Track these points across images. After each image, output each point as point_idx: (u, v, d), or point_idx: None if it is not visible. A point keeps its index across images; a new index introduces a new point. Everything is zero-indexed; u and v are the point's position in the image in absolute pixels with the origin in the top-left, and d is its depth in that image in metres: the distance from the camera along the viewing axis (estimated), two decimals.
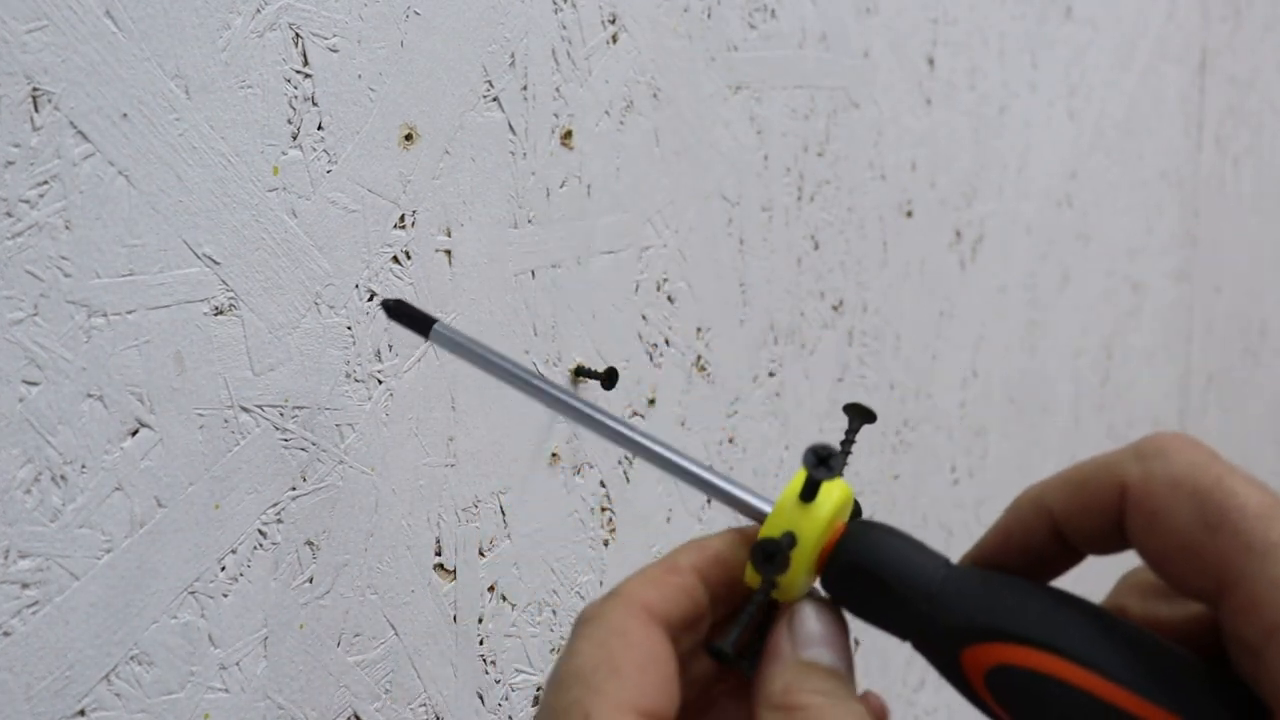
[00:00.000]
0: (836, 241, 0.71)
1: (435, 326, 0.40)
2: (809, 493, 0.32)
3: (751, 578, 0.32)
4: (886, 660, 0.79)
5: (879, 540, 0.32)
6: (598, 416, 0.37)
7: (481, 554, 0.52)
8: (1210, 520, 0.28)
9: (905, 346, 0.79)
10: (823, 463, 0.31)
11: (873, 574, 0.32)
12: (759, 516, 0.34)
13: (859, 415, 0.35)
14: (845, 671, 0.31)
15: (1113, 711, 0.29)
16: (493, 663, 0.53)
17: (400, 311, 0.42)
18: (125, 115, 0.39)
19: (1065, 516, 0.31)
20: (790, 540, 0.31)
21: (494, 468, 0.52)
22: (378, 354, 0.47)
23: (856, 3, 0.70)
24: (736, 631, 0.31)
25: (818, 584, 0.33)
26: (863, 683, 0.76)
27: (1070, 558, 0.32)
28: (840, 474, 0.31)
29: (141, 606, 0.41)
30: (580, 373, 0.56)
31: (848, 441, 0.35)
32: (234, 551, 0.43)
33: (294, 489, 0.45)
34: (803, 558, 0.32)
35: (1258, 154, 1.25)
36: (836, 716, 0.29)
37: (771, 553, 0.31)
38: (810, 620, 0.32)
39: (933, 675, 0.85)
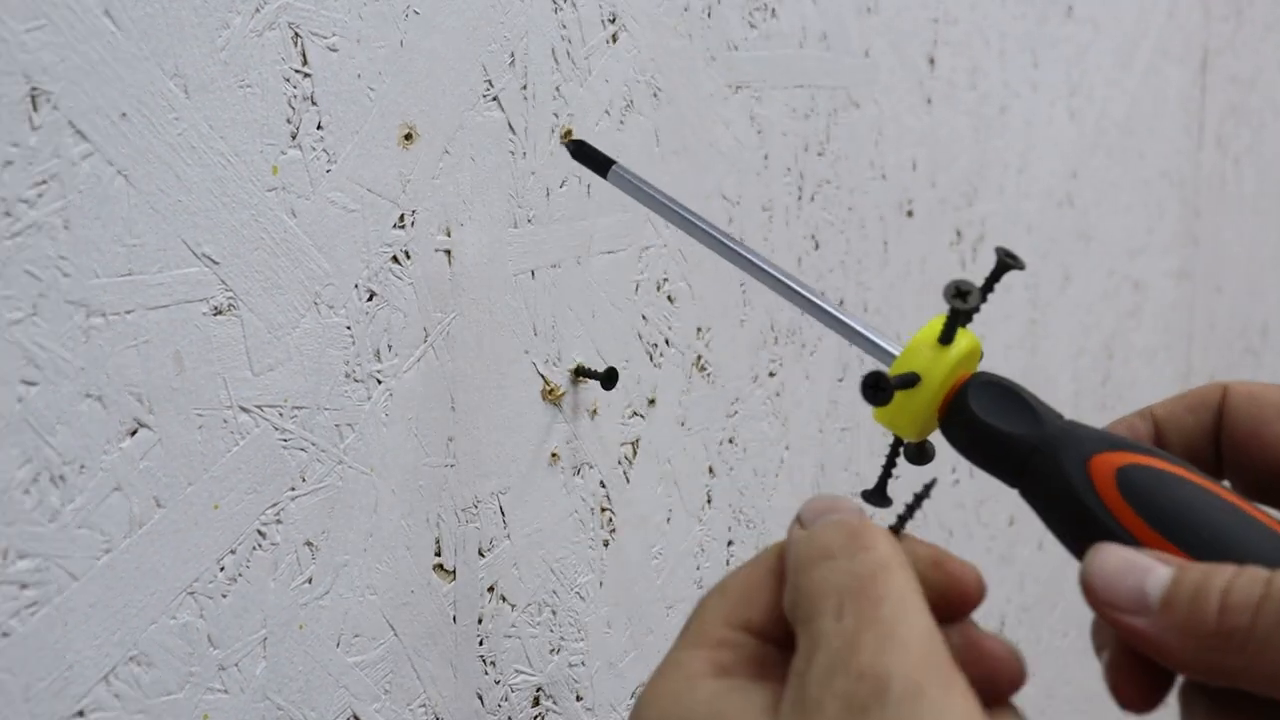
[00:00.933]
0: (837, 241, 0.71)
1: (613, 168, 0.47)
2: (947, 334, 0.35)
3: (879, 416, 0.36)
4: None
5: (1006, 383, 0.35)
6: (760, 263, 0.43)
7: (481, 554, 0.52)
8: None
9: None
10: (960, 296, 0.34)
11: (1010, 394, 0.35)
12: (886, 359, 0.37)
13: (1008, 259, 0.37)
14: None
15: (1235, 510, 0.31)
16: (492, 663, 0.53)
17: (582, 151, 0.49)
18: (124, 115, 0.39)
19: (1166, 414, 0.34)
20: (904, 379, 0.35)
21: (494, 468, 0.52)
22: (377, 354, 0.47)
23: (857, 2, 0.70)
24: (879, 476, 0.38)
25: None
26: None
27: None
28: (978, 309, 0.34)
29: (140, 607, 0.41)
30: (580, 372, 0.55)
31: (990, 282, 0.37)
32: (233, 552, 0.43)
33: (293, 489, 0.45)
34: (927, 396, 0.35)
35: (1259, 153, 1.25)
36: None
37: (871, 384, 0.35)
38: (817, 501, 0.33)
39: None
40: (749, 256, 0.43)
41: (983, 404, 0.35)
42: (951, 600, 0.31)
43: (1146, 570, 0.30)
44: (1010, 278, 0.88)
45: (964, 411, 0.35)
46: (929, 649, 0.28)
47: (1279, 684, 0.27)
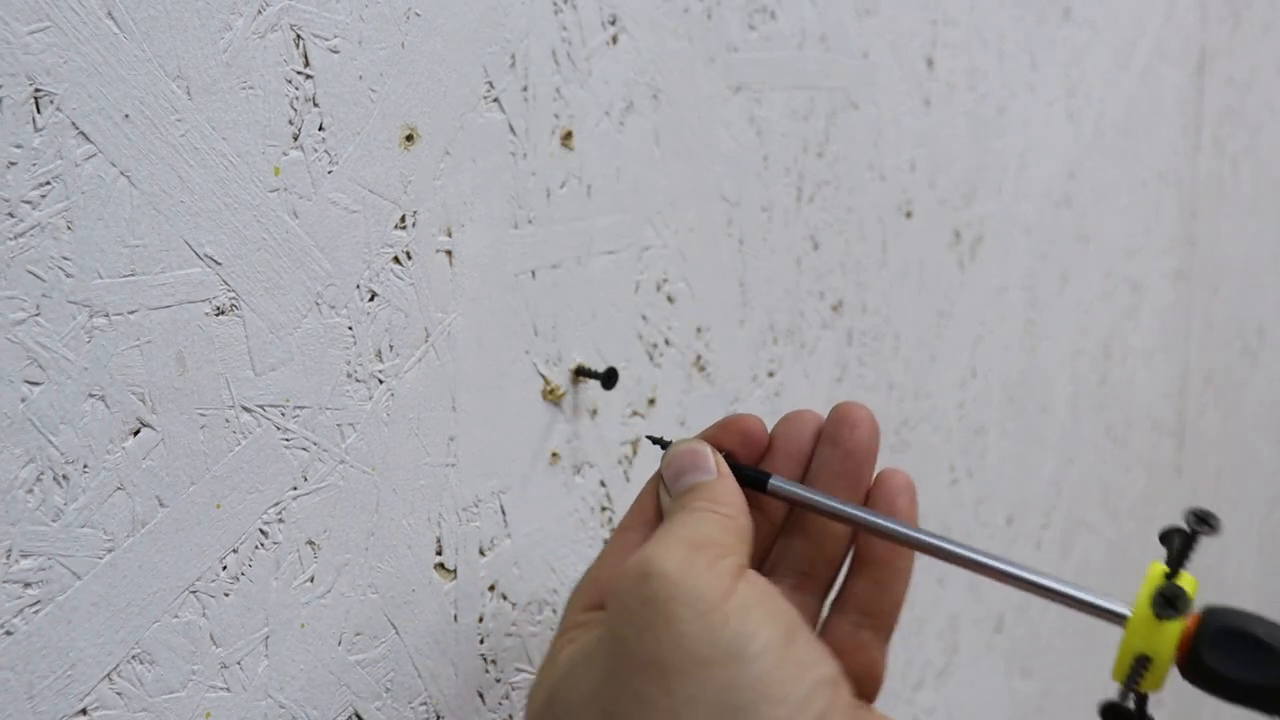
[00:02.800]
0: (836, 242, 0.72)
1: (770, 481, 0.45)
2: (1162, 612, 0.36)
3: (1118, 674, 0.37)
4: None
5: (1232, 634, 0.36)
6: (955, 549, 0.42)
7: (482, 553, 0.53)
8: None
9: (904, 346, 0.79)
10: (1170, 604, 0.36)
11: (1247, 639, 0.36)
12: (1120, 621, 0.38)
13: (1201, 523, 0.38)
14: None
15: None
16: (493, 662, 0.54)
17: (750, 478, 0.44)
18: (127, 116, 0.39)
19: None
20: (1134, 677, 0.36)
21: (494, 467, 0.53)
22: (379, 354, 0.47)
23: (856, 4, 0.71)
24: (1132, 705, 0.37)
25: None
26: None
27: None
28: (1185, 611, 0.36)
29: (143, 606, 0.41)
30: (580, 373, 0.56)
31: (1183, 554, 0.38)
32: (235, 551, 0.43)
33: (295, 488, 0.45)
34: (1160, 671, 0.36)
35: (1256, 155, 1.25)
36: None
37: (1115, 713, 0.37)
38: (674, 460, 0.44)
39: (931, 675, 0.86)
40: (945, 545, 0.42)
41: (1220, 657, 0.36)
42: (749, 442, 0.44)
43: None
44: (1009, 278, 0.89)
45: (1203, 669, 0.36)
46: (696, 542, 0.37)
47: None
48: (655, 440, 0.47)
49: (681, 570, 0.35)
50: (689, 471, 0.42)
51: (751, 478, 0.44)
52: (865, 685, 0.42)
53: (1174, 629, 0.36)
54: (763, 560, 0.45)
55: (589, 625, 0.41)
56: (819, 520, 0.44)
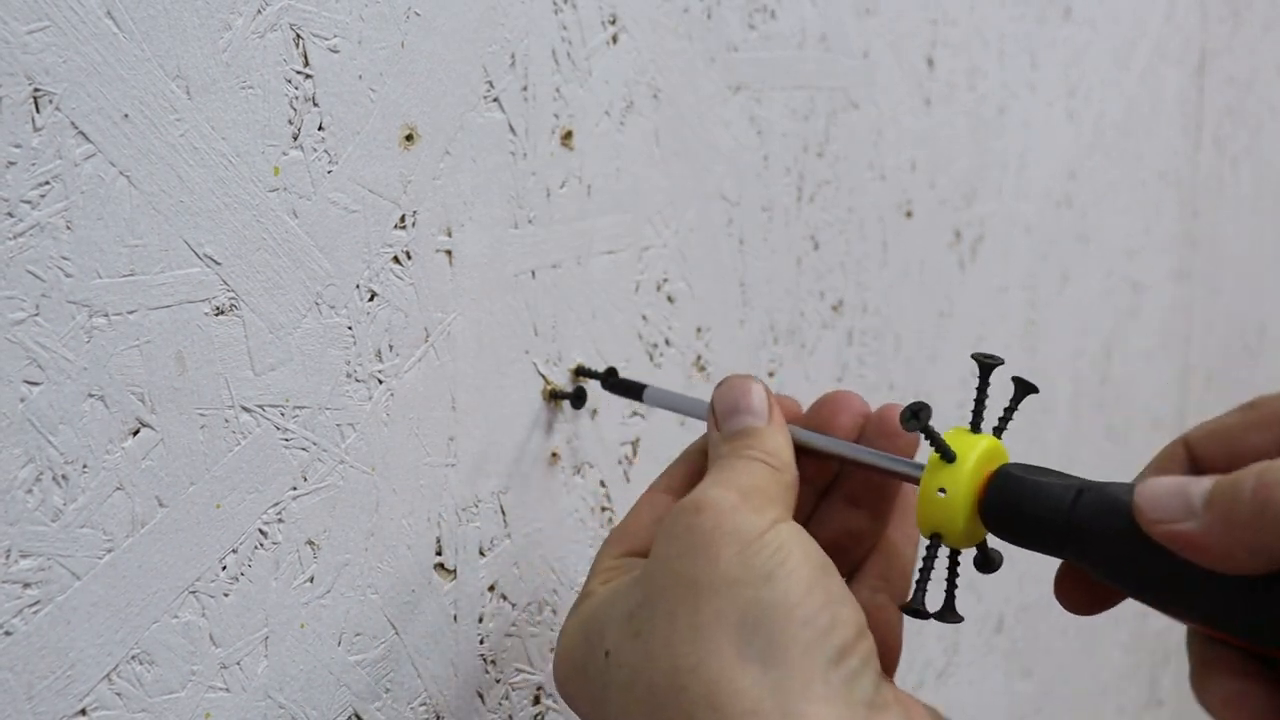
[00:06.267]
0: (836, 242, 0.72)
1: (646, 391, 0.51)
2: (942, 451, 0.38)
3: (923, 526, 0.39)
4: None
5: (1012, 486, 0.37)
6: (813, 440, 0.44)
7: (482, 553, 0.53)
8: None
9: (905, 347, 0.79)
10: (914, 415, 0.37)
11: (1013, 517, 0.37)
12: (914, 478, 0.39)
13: (1022, 389, 0.42)
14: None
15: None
16: (493, 662, 0.54)
17: (614, 383, 0.53)
18: (126, 116, 0.39)
19: (1198, 438, 0.36)
20: (945, 454, 0.38)
21: (494, 467, 0.53)
22: (378, 354, 0.47)
23: (856, 4, 0.71)
24: (916, 587, 0.39)
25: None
26: None
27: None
28: (926, 423, 0.38)
29: (143, 606, 0.41)
30: (580, 372, 0.56)
31: (1010, 411, 0.41)
32: (235, 551, 0.43)
33: (295, 489, 0.45)
34: (957, 506, 0.38)
35: (1256, 154, 1.25)
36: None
37: (916, 412, 0.38)
38: (728, 392, 0.44)
39: (932, 675, 0.86)
40: (811, 439, 0.44)
41: (1013, 481, 0.37)
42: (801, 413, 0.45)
43: (1191, 483, 0.32)
44: (1010, 278, 0.88)
45: (999, 493, 0.37)
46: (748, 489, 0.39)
47: None
48: (589, 373, 0.52)
49: (732, 508, 0.38)
50: (742, 413, 0.42)
51: (629, 387, 0.51)
52: (885, 656, 0.42)
53: (962, 468, 0.38)
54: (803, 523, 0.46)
55: (621, 569, 0.43)
56: (860, 487, 0.45)
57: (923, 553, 0.40)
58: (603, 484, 0.58)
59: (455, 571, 0.51)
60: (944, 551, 0.40)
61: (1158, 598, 0.34)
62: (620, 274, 0.58)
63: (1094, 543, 0.35)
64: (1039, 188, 0.91)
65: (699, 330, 0.63)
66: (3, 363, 0.37)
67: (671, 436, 0.62)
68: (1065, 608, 0.38)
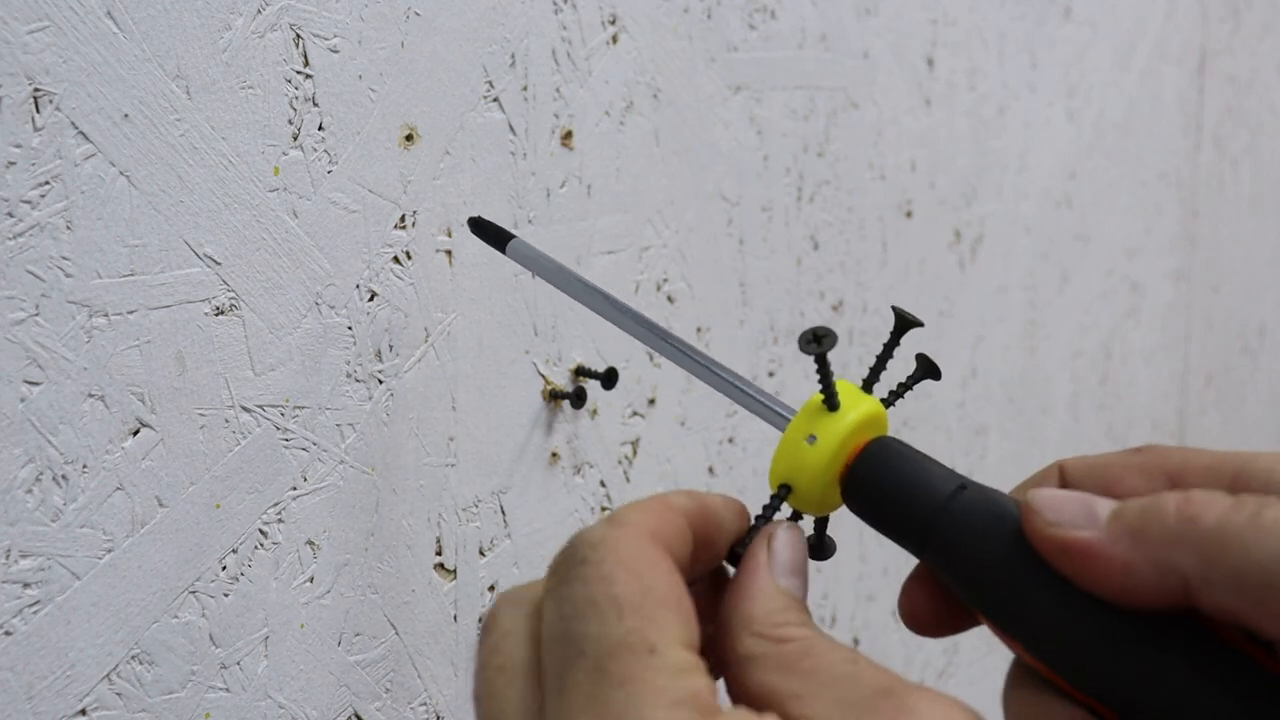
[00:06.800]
0: (836, 242, 0.72)
1: (511, 243, 0.44)
2: (828, 394, 0.33)
3: (775, 474, 0.33)
4: (885, 659, 0.79)
5: (893, 459, 0.32)
6: (654, 333, 0.39)
7: (482, 554, 0.53)
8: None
9: (905, 346, 0.79)
10: (816, 340, 0.32)
11: (882, 492, 0.32)
12: (780, 422, 0.34)
13: (924, 368, 0.36)
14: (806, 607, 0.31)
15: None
16: None
17: (481, 227, 0.46)
18: (126, 116, 0.39)
19: (1076, 469, 0.32)
20: (830, 402, 0.32)
21: (494, 467, 0.53)
22: (378, 354, 0.47)
23: (856, 4, 0.71)
24: (746, 535, 0.32)
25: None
26: None
27: None
28: (827, 351, 0.32)
29: (143, 606, 0.41)
30: (580, 372, 0.56)
31: (904, 387, 0.36)
32: (235, 551, 0.43)
33: (295, 489, 0.45)
34: (823, 461, 0.32)
35: (1256, 154, 1.25)
36: (829, 651, 0.28)
37: (820, 336, 0.32)
38: (791, 547, 0.31)
39: (932, 675, 0.86)
40: (662, 339, 0.39)
41: (892, 457, 0.32)
42: (708, 530, 0.31)
43: (1093, 498, 0.29)
44: (1010, 278, 0.88)
45: (872, 465, 0.33)
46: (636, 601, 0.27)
47: (1241, 580, 0.26)
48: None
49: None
50: (792, 574, 0.32)
51: (497, 236, 0.44)
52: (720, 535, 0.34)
53: (841, 421, 0.32)
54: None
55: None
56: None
57: (764, 502, 0.33)
58: (603, 484, 0.58)
59: (455, 571, 0.51)
60: (785, 511, 0.34)
61: (1016, 624, 0.30)
62: (620, 274, 0.58)
63: (963, 545, 0.30)
64: (1039, 188, 0.91)
65: (699, 330, 0.63)
66: (3, 363, 0.37)
67: (672, 437, 0.62)
68: (906, 621, 0.33)
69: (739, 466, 0.66)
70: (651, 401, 0.60)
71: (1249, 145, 1.23)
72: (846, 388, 0.34)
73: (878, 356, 0.35)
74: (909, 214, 0.78)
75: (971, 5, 0.81)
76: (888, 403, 0.35)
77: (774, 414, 0.35)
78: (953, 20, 0.79)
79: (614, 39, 0.56)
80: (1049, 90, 0.91)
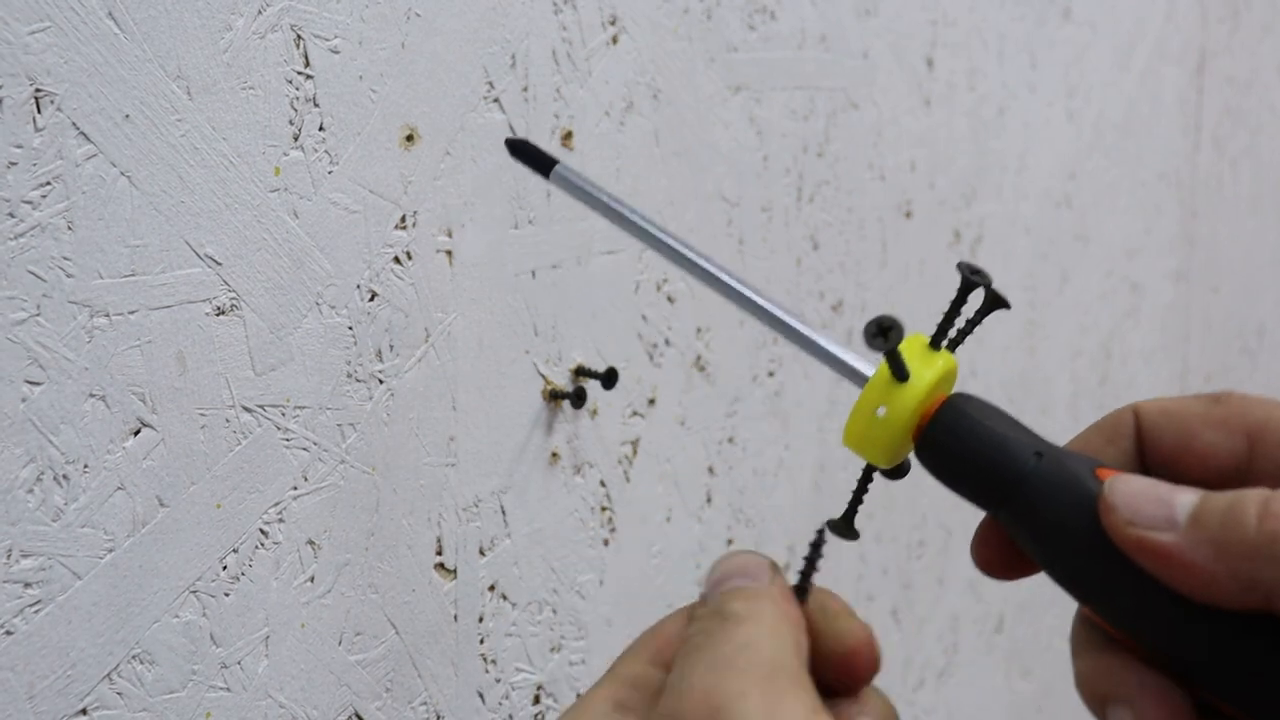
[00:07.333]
0: (836, 242, 0.72)
1: (556, 168, 0.41)
2: (898, 372, 0.33)
3: (849, 439, 0.33)
4: (886, 661, 0.79)
5: (964, 424, 0.32)
6: (706, 265, 0.38)
7: (482, 553, 0.53)
8: None
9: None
10: (882, 333, 0.32)
11: (956, 457, 0.32)
12: (860, 380, 0.34)
13: (991, 301, 0.35)
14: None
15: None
16: (493, 662, 0.54)
17: (523, 150, 0.42)
18: (127, 116, 0.39)
19: (1084, 448, 0.32)
20: (899, 370, 0.32)
21: (494, 467, 0.53)
22: (379, 354, 0.47)
23: (856, 4, 0.71)
24: (848, 508, 0.34)
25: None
26: None
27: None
28: (896, 343, 0.32)
29: (143, 606, 0.41)
30: (580, 372, 0.56)
31: (972, 324, 0.35)
32: (235, 551, 0.43)
33: (295, 488, 0.45)
34: (893, 433, 0.33)
35: (1255, 155, 1.25)
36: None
37: (885, 329, 0.32)
38: (726, 561, 0.32)
39: (932, 675, 0.86)
40: (705, 264, 0.38)
41: (967, 420, 0.32)
42: (837, 657, 0.31)
43: (1172, 492, 0.29)
44: (1009, 278, 0.88)
45: (948, 428, 0.32)
46: (770, 671, 0.28)
47: None
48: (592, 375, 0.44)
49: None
50: (735, 576, 0.33)
51: (540, 161, 0.40)
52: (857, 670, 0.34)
53: (912, 392, 0.32)
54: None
55: (650, 687, 0.33)
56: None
57: (857, 474, 0.33)
58: (603, 484, 0.58)
59: (455, 571, 0.51)
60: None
61: (1092, 596, 0.30)
62: (620, 274, 0.58)
63: (1039, 519, 0.31)
64: (1038, 188, 0.91)
65: (699, 330, 0.63)
66: (4, 363, 0.37)
67: (672, 436, 0.62)
68: (978, 565, 0.34)
69: (739, 466, 0.66)
70: (651, 401, 0.60)
71: (1248, 146, 1.23)
72: (913, 348, 0.34)
73: (945, 314, 0.34)
74: (909, 214, 0.78)
75: (971, 6, 0.81)
76: (955, 343, 0.34)
77: (848, 369, 0.35)
78: (952, 21, 0.79)
79: (614, 40, 0.56)
80: (1049, 91, 0.91)
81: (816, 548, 0.33)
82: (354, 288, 0.46)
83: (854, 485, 0.35)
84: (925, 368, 0.33)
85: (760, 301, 0.37)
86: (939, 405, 0.33)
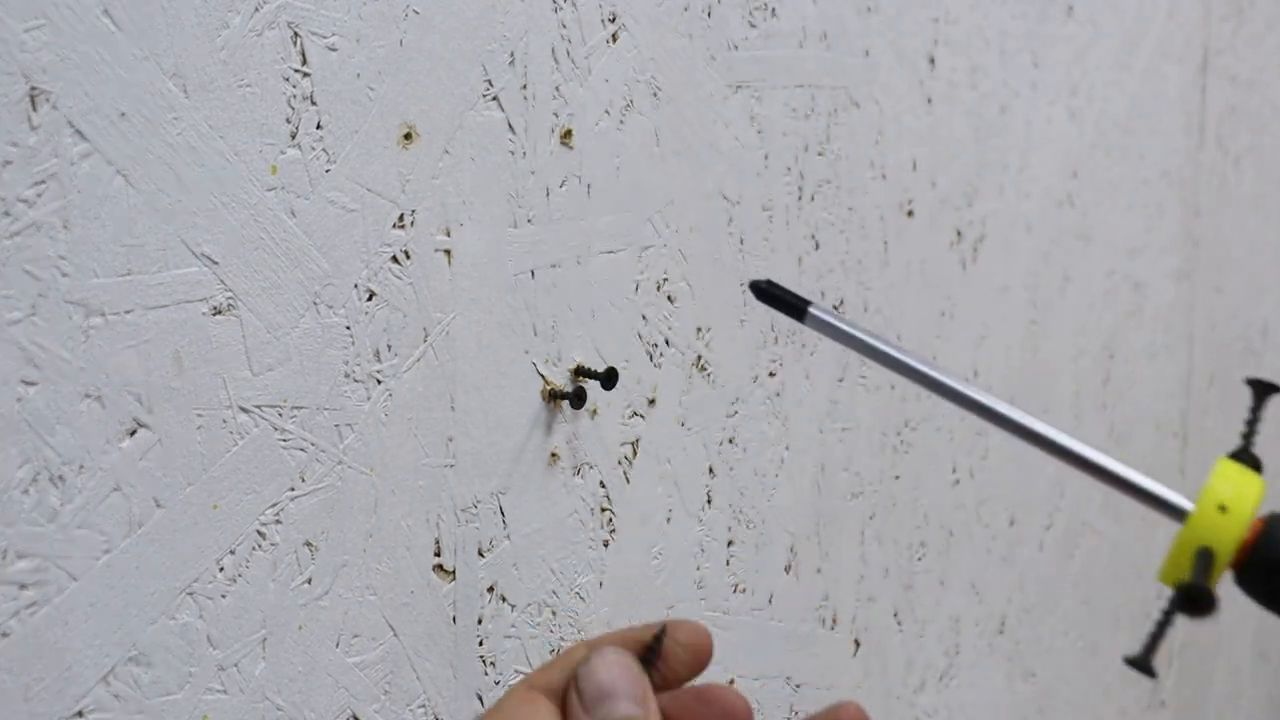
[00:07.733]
0: (837, 241, 0.71)
1: (809, 309, 0.40)
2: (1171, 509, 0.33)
3: (1168, 575, 0.34)
4: (886, 661, 0.79)
5: None
6: (993, 404, 0.38)
7: (481, 554, 0.52)
8: None
9: (906, 346, 0.79)
10: (1248, 460, 0.33)
11: None
12: (1179, 515, 0.34)
13: (1263, 389, 0.36)
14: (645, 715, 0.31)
15: None
16: (492, 663, 0.53)
17: (770, 293, 0.41)
18: (123, 114, 0.39)
19: None
20: (1205, 570, 0.32)
21: (494, 468, 0.52)
22: (377, 354, 0.47)
23: (857, 2, 0.70)
24: (1147, 643, 0.33)
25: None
26: (863, 683, 0.76)
27: None
28: (1208, 613, 0.32)
29: (140, 607, 0.41)
30: (580, 373, 0.55)
31: (1253, 422, 0.36)
32: (232, 552, 0.43)
33: (293, 489, 0.45)
34: (1219, 569, 0.33)
35: (1259, 154, 1.25)
36: None
37: (1195, 597, 0.32)
38: (600, 673, 0.31)
39: (933, 677, 0.85)
40: (992, 404, 0.38)
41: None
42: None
43: None
44: (1012, 277, 0.88)
45: (1262, 569, 0.33)
46: None
47: None
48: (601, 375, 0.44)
49: None
50: (617, 697, 0.32)
51: (791, 304, 0.40)
52: None
53: (1235, 522, 0.33)
54: None
55: None
56: None
57: (1164, 606, 0.34)
58: (603, 484, 0.58)
59: (454, 573, 0.51)
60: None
61: None
62: (620, 273, 0.57)
63: None
64: (1041, 187, 0.91)
65: (699, 330, 0.63)
66: None
67: (672, 437, 0.61)
68: None
69: (739, 466, 0.66)
70: (651, 401, 0.60)
71: (1251, 144, 1.23)
72: (1227, 472, 0.34)
73: (1243, 435, 0.35)
74: (910, 213, 0.77)
75: (973, 3, 0.81)
76: (1246, 442, 0.35)
77: (1166, 508, 0.35)
78: (954, 18, 0.79)
79: (614, 37, 0.56)
80: (1051, 89, 0.91)
81: (657, 645, 0.33)
82: (352, 287, 0.46)
83: (1156, 620, 0.34)
84: (1242, 495, 0.33)
85: (1065, 442, 0.38)
86: (1258, 531, 0.33)
